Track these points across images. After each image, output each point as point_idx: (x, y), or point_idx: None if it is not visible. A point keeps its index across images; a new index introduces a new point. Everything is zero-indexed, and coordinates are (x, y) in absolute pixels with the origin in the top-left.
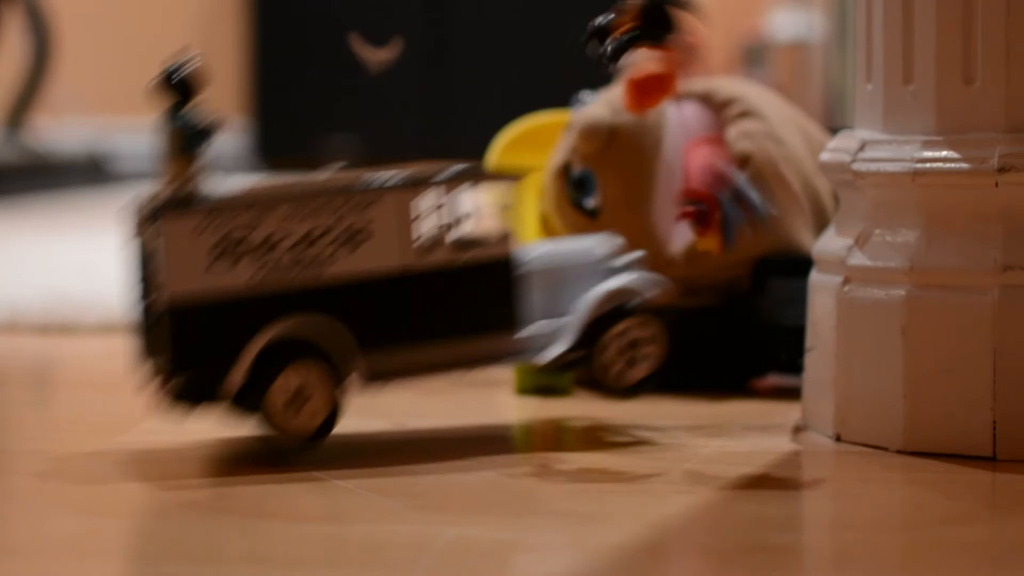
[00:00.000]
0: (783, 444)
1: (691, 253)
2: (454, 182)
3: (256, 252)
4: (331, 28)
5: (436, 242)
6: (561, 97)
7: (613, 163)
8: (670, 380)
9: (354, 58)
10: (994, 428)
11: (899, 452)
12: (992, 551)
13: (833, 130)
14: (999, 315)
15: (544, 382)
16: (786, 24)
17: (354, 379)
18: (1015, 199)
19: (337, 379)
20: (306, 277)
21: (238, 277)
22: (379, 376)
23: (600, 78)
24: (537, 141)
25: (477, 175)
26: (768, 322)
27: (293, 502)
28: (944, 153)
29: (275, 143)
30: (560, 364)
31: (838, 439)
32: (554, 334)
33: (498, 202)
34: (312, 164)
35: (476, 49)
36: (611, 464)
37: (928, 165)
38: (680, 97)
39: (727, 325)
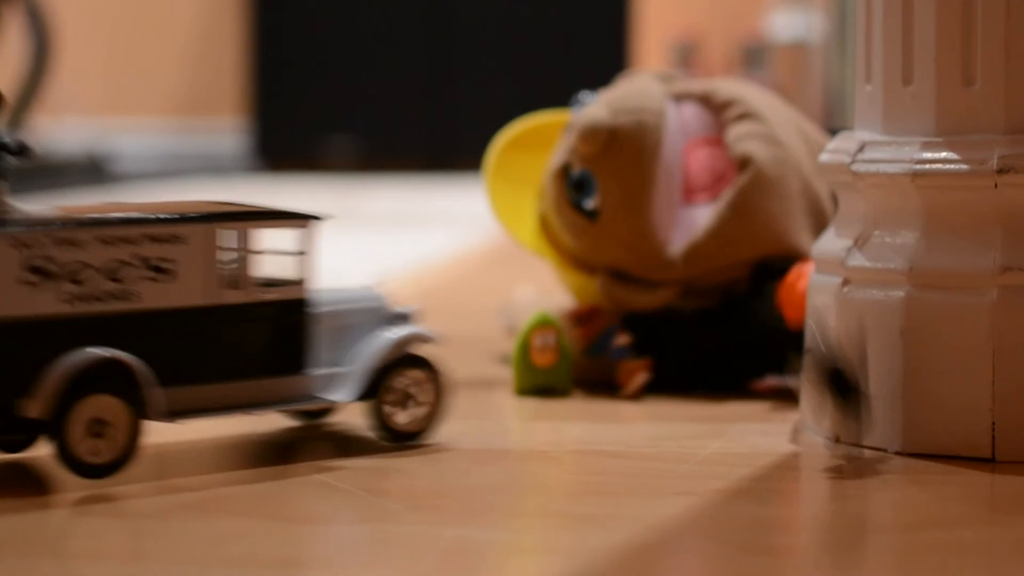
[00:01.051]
0: (782, 446)
1: (690, 254)
2: (256, 221)
3: (60, 280)
4: (332, 29)
5: (237, 280)
6: (561, 98)
7: (612, 164)
8: (669, 382)
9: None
10: (993, 430)
11: (898, 454)
12: (991, 553)
13: (832, 131)
14: (998, 316)
15: (543, 382)
16: (786, 25)
17: (152, 414)
18: (1014, 200)
19: (136, 414)
20: (110, 309)
21: (40, 305)
22: (177, 413)
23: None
24: (536, 141)
25: (278, 216)
26: (767, 325)
27: (291, 503)
28: (943, 154)
29: (275, 145)
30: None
31: (837, 441)
32: (337, 380)
33: (296, 245)
34: (312, 165)
35: (476, 50)
36: (610, 465)
37: (927, 166)
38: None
39: (726, 327)
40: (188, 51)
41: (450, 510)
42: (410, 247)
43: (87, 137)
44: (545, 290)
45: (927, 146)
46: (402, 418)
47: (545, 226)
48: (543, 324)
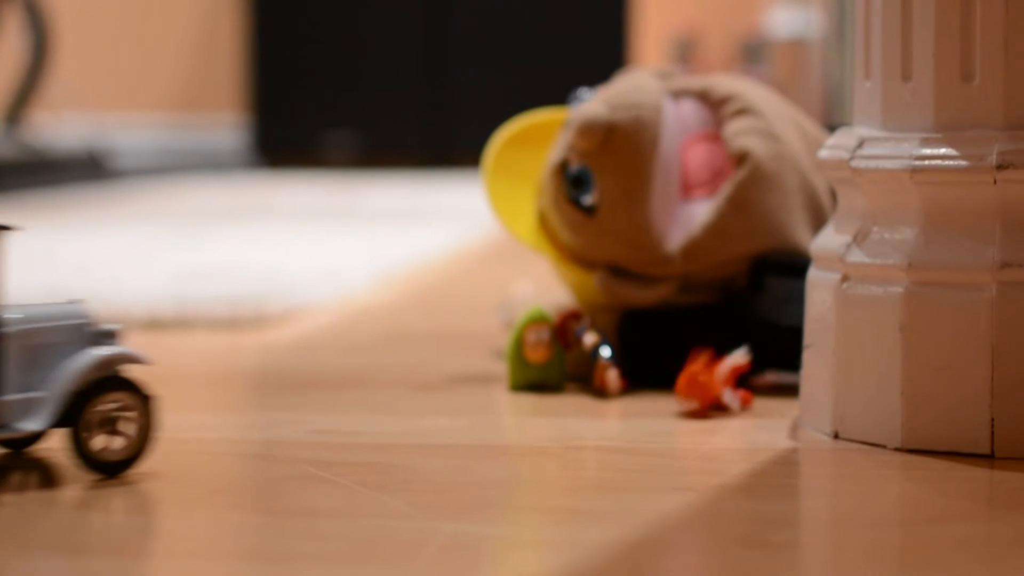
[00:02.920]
0: (781, 441)
1: (689, 250)
2: None
3: None
4: (330, 25)
5: None
6: (559, 94)
7: (610, 160)
8: (669, 376)
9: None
10: (992, 425)
11: (897, 449)
12: (990, 548)
13: (831, 127)
14: (997, 312)
15: (536, 378)
16: (785, 21)
17: None
18: (1013, 196)
19: None
20: None
21: None
22: None
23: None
24: (535, 138)
25: None
26: (765, 321)
27: (290, 498)
28: (942, 150)
29: (274, 140)
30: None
31: (836, 436)
32: (32, 405)
33: None
34: (311, 161)
35: (475, 46)
36: (608, 461)
37: (926, 162)
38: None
39: (724, 323)
40: (187, 47)
41: (449, 505)
42: (409, 243)
43: (86, 133)
44: (543, 286)
45: (926, 142)
46: (104, 446)
47: (544, 222)
48: (537, 320)
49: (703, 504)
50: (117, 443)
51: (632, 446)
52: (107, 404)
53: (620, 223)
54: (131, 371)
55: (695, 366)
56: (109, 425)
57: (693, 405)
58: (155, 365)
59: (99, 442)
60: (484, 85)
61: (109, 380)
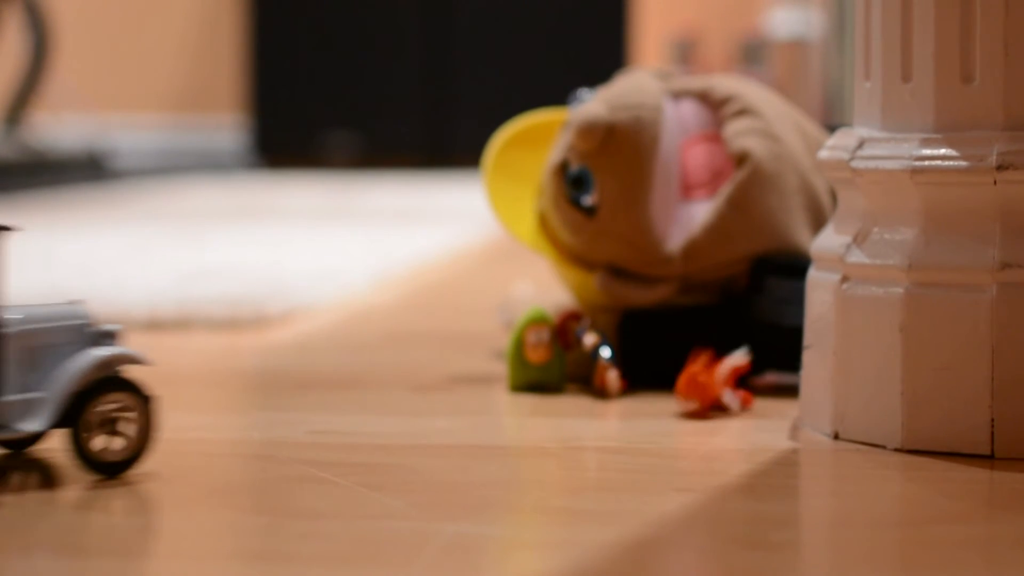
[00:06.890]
0: (781, 442)
1: (689, 250)
2: None
3: None
4: (330, 26)
5: None
6: (559, 95)
7: (610, 160)
8: (669, 377)
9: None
10: (992, 426)
11: (897, 450)
12: (990, 549)
13: (831, 128)
14: (997, 313)
15: (537, 378)
16: (785, 22)
17: None
18: (1013, 197)
19: None
20: None
21: None
22: None
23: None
24: (535, 138)
25: None
26: (766, 321)
27: (291, 499)
28: (942, 151)
29: (274, 141)
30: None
31: (836, 437)
32: (32, 406)
33: None
34: (311, 162)
35: (474, 46)
36: (608, 461)
37: (926, 163)
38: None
39: (724, 323)
40: (187, 47)
41: (449, 506)
42: (409, 244)
43: (86, 133)
44: (544, 287)
45: (926, 143)
46: (104, 446)
47: (544, 223)
48: (537, 320)
49: (703, 504)
50: (117, 443)
51: (632, 447)
52: (107, 405)
53: (620, 224)
54: (131, 371)
55: (695, 367)
56: (109, 426)
57: (693, 406)
58: (155, 365)
59: (99, 443)
60: (484, 86)
61: (109, 381)
